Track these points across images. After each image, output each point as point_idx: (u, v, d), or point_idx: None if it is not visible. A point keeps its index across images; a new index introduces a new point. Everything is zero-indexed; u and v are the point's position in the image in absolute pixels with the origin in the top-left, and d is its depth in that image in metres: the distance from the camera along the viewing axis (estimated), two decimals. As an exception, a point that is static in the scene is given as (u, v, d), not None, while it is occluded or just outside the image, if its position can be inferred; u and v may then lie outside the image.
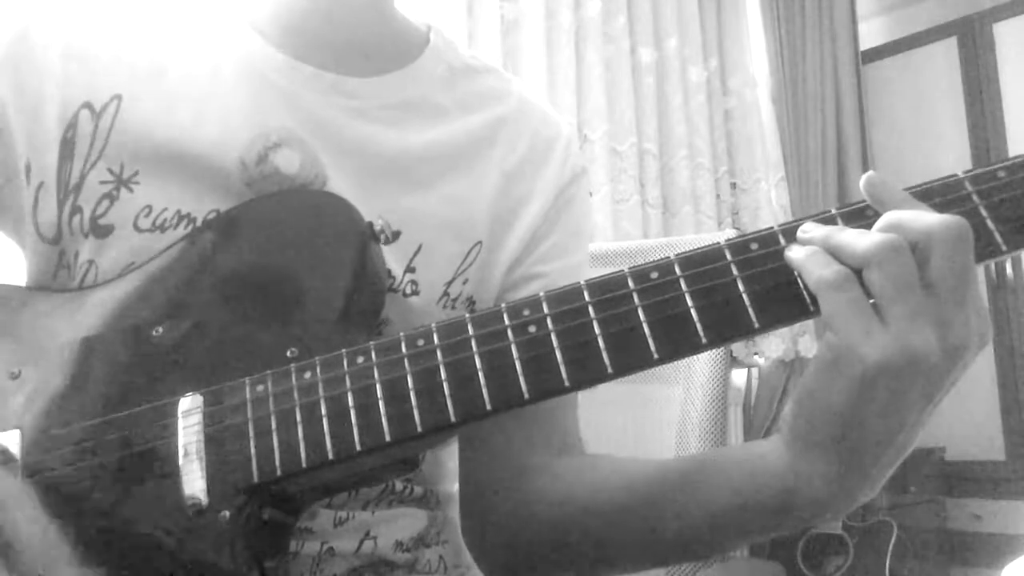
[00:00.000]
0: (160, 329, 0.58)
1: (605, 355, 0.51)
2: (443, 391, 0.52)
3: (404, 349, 0.53)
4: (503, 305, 0.54)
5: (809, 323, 3.15)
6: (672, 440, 1.14)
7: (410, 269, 0.69)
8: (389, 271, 0.67)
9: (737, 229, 3.09)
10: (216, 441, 0.53)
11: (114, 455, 0.54)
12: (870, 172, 0.52)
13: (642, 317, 0.51)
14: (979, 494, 3.62)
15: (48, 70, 0.67)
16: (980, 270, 0.50)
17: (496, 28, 2.53)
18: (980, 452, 3.68)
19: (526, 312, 0.53)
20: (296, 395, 0.53)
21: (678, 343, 0.51)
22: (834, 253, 0.49)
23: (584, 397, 0.73)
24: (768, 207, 3.34)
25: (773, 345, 3.20)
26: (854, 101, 3.66)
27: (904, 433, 0.51)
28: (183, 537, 0.52)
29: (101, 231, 0.65)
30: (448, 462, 0.79)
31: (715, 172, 3.26)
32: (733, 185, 3.39)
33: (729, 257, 0.52)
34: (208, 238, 0.63)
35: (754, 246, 0.52)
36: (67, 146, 0.66)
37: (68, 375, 0.58)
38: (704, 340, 0.50)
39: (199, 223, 0.65)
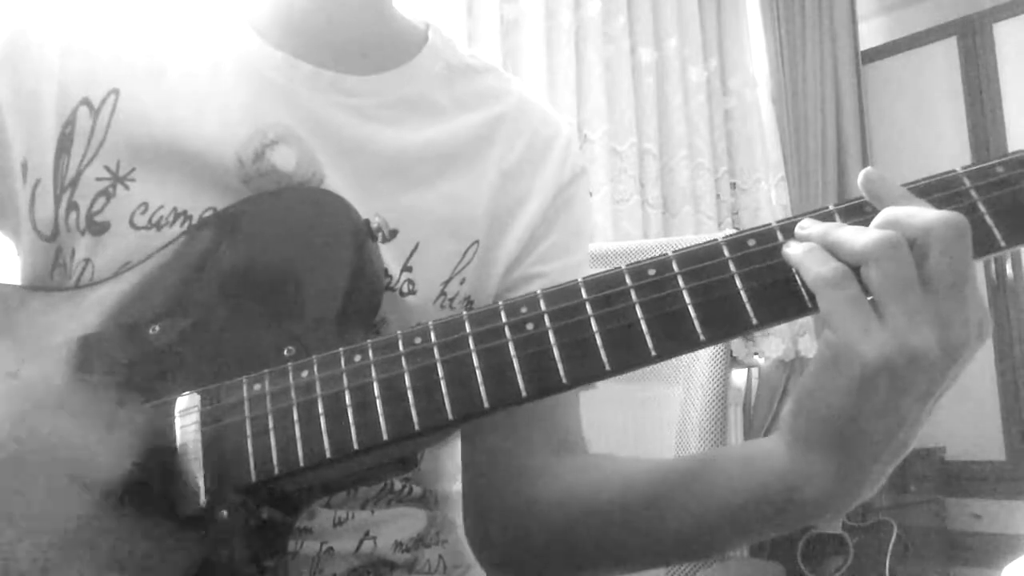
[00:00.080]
0: (157, 327, 0.58)
1: (603, 352, 0.51)
2: (440, 389, 0.52)
3: (401, 347, 0.53)
4: (500, 303, 0.53)
5: (809, 322, 3.16)
6: (672, 440, 1.14)
7: (407, 268, 0.69)
8: (386, 270, 0.67)
9: (737, 229, 3.08)
10: (213, 440, 0.53)
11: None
12: (868, 168, 0.52)
13: (640, 314, 0.51)
14: (979, 494, 3.62)
15: (46, 69, 0.67)
16: (980, 270, 0.50)
17: (496, 28, 2.53)
18: (980, 452, 3.68)
19: (523, 310, 0.53)
20: (293, 394, 0.53)
21: (676, 340, 0.50)
22: (832, 250, 0.49)
23: (584, 397, 0.73)
24: (768, 207, 3.34)
25: (773, 345, 3.20)
26: (854, 101, 3.66)
27: (904, 431, 0.51)
28: (181, 537, 0.51)
29: (97, 228, 0.65)
30: (447, 462, 0.79)
31: (715, 172, 3.26)
32: (733, 185, 3.39)
33: (727, 254, 0.51)
34: (205, 236, 0.63)
35: (752, 243, 0.52)
36: (64, 142, 0.66)
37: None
38: (702, 337, 0.50)
39: (195, 221, 0.64)
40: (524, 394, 0.51)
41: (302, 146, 0.68)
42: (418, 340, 0.53)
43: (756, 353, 3.19)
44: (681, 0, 3.18)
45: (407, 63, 0.75)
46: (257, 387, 0.54)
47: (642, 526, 0.64)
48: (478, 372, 0.51)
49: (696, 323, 0.50)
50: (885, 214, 0.49)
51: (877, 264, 0.47)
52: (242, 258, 0.61)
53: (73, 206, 0.65)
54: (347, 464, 0.53)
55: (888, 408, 0.49)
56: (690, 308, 0.50)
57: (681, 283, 0.51)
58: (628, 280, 0.52)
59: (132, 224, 0.64)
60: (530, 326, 0.52)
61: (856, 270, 0.48)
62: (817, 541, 3.03)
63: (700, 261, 0.51)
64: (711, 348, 1.11)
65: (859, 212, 0.52)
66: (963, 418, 3.50)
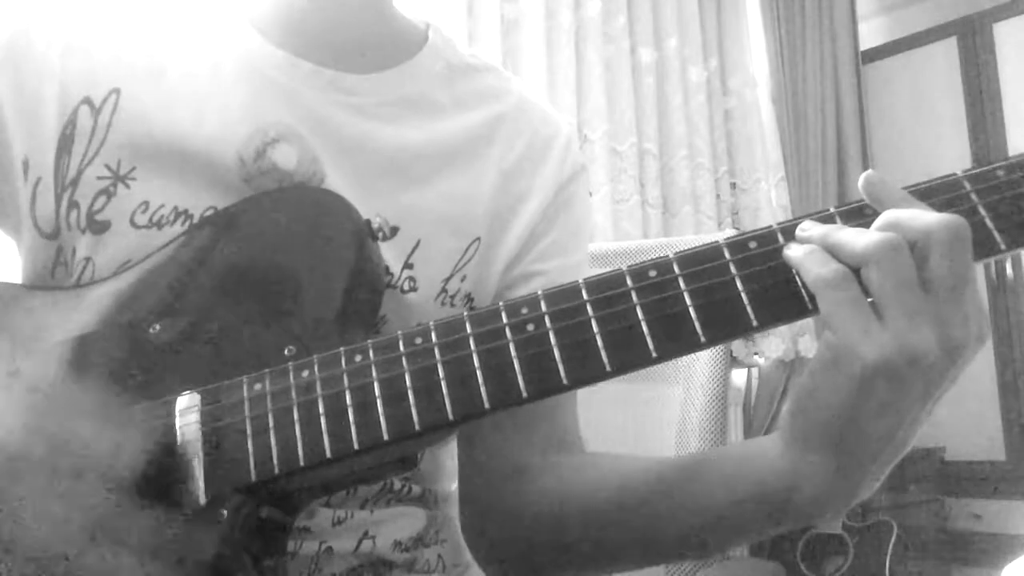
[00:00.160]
0: (157, 326, 0.58)
1: (603, 353, 0.51)
2: (441, 390, 0.52)
3: (402, 347, 0.53)
4: (501, 303, 0.53)
5: (809, 323, 3.15)
6: (672, 440, 1.14)
7: (408, 265, 0.69)
8: (387, 267, 0.67)
9: (737, 229, 3.08)
10: (213, 440, 0.53)
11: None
12: (869, 171, 0.52)
13: (640, 315, 0.51)
14: (979, 494, 3.62)
15: (48, 69, 0.67)
16: (980, 270, 0.50)
17: (496, 28, 2.53)
18: (980, 452, 3.68)
19: (524, 310, 0.53)
20: (294, 393, 0.53)
21: (676, 341, 0.50)
22: (833, 252, 0.49)
23: (584, 396, 0.73)
24: (768, 207, 3.34)
25: (773, 345, 3.20)
26: (854, 101, 3.66)
27: (903, 431, 0.51)
28: (180, 536, 0.52)
29: (98, 227, 0.65)
30: (447, 461, 0.79)
31: (715, 172, 3.26)
32: (733, 185, 3.39)
33: (728, 256, 0.52)
34: (205, 235, 0.63)
35: (753, 244, 0.52)
36: (65, 141, 0.66)
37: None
38: (703, 338, 0.50)
39: (196, 219, 0.65)
40: (525, 395, 0.51)
41: (303, 144, 0.68)
42: (419, 340, 0.53)
43: (756, 353, 3.19)
44: (681, 0, 3.18)
45: (407, 62, 0.75)
46: (257, 387, 0.54)
47: (640, 525, 0.64)
48: (479, 372, 0.52)
49: (697, 324, 0.50)
50: (886, 216, 0.49)
51: (878, 266, 0.48)
52: (243, 257, 0.61)
53: (74, 205, 0.65)
54: (347, 464, 0.53)
55: (887, 409, 0.49)
56: (691, 310, 0.50)
57: (682, 284, 0.51)
58: (629, 281, 0.52)
59: (133, 223, 0.64)
60: (531, 327, 0.52)
61: (856, 272, 0.49)
62: (817, 541, 3.03)
63: (701, 263, 0.52)
64: (711, 348, 1.12)
65: (859, 215, 0.52)
66: (963, 418, 3.50)
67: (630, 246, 1.29)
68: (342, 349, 0.54)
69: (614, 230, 2.74)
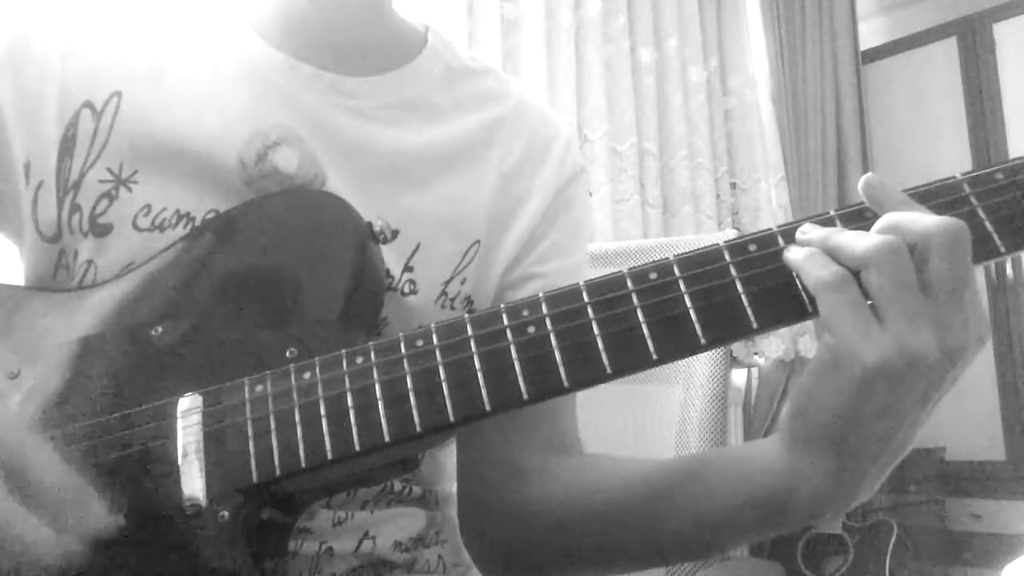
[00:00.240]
0: (159, 329, 0.58)
1: (604, 356, 0.51)
2: (442, 391, 0.52)
3: (403, 349, 0.53)
4: (502, 306, 0.54)
5: (809, 323, 3.15)
6: (672, 440, 1.14)
7: (408, 268, 0.69)
8: (387, 270, 0.67)
9: (737, 229, 3.09)
10: (215, 441, 0.53)
11: (112, 455, 0.54)
12: (868, 174, 0.52)
13: (641, 318, 0.51)
14: (979, 494, 3.62)
15: (48, 72, 0.67)
16: (980, 271, 0.50)
17: (496, 28, 2.53)
18: (980, 452, 3.68)
19: (525, 313, 0.53)
20: (295, 395, 0.53)
21: (677, 344, 0.51)
22: (832, 254, 0.49)
23: (584, 397, 0.73)
24: (768, 207, 3.34)
25: (773, 345, 3.20)
26: (854, 101, 3.66)
27: (902, 433, 0.51)
28: (181, 537, 0.52)
29: (100, 230, 0.65)
30: (447, 462, 0.79)
31: (715, 172, 3.26)
32: (733, 185, 3.39)
33: (728, 258, 0.52)
34: (207, 238, 0.63)
35: (753, 247, 0.52)
36: (67, 144, 0.66)
37: (67, 375, 0.58)
38: (703, 341, 0.50)
39: (198, 222, 0.65)
40: (525, 397, 0.51)
41: (304, 147, 0.68)
42: (420, 342, 0.53)
43: (756, 353, 3.19)
44: (681, 0, 3.18)
45: (407, 65, 0.75)
46: (259, 388, 0.54)
47: (640, 526, 0.65)
48: (480, 374, 0.52)
49: (697, 327, 0.50)
50: (886, 219, 0.50)
51: (877, 268, 0.48)
52: (244, 260, 0.61)
53: (76, 208, 0.65)
54: (348, 465, 0.53)
55: (887, 410, 0.49)
56: (691, 312, 0.51)
57: (682, 287, 0.51)
58: (630, 284, 0.52)
59: (135, 226, 0.65)
60: (532, 329, 0.52)
61: (856, 275, 0.49)
62: (817, 541, 3.03)
63: (701, 265, 0.52)
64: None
65: (859, 217, 0.52)
66: (963, 418, 3.50)
67: (630, 246, 1.29)
68: (343, 351, 0.54)
69: (614, 230, 2.74)
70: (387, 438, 0.52)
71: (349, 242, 0.61)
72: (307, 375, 0.54)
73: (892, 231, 0.49)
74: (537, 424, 0.72)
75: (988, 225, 0.50)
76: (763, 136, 3.40)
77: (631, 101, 2.89)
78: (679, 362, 1.16)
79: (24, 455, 0.47)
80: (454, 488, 0.78)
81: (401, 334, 0.54)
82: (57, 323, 0.61)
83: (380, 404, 0.52)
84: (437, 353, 0.53)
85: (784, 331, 3.18)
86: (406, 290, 0.69)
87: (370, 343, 0.54)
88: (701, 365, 1.15)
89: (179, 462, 0.53)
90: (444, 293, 0.71)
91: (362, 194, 0.68)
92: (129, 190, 0.65)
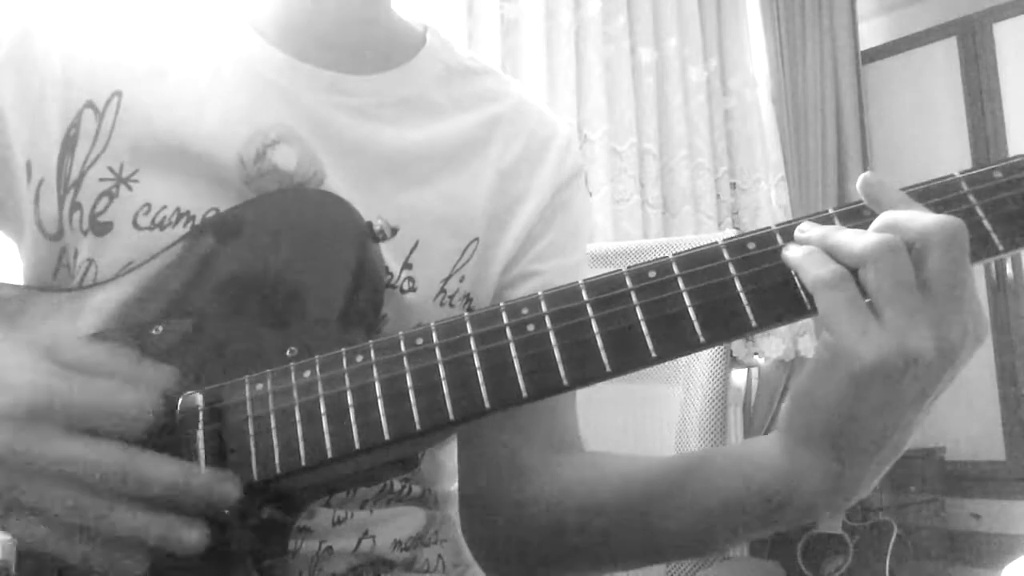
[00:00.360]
0: (160, 328, 0.58)
1: (603, 354, 0.51)
2: (442, 390, 0.52)
3: (403, 348, 0.53)
4: (501, 304, 0.54)
5: (809, 322, 3.15)
6: (672, 440, 1.14)
7: (407, 265, 0.69)
8: (386, 267, 0.67)
9: (737, 229, 3.09)
10: (215, 439, 0.53)
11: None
12: (867, 172, 0.52)
13: (640, 316, 0.51)
14: (979, 494, 3.62)
15: (49, 72, 0.67)
16: (980, 270, 0.51)
17: (496, 28, 2.53)
18: (980, 452, 3.68)
19: (525, 311, 0.53)
20: (295, 394, 0.53)
21: (676, 342, 0.51)
22: (831, 252, 0.50)
23: (584, 397, 0.74)
24: (768, 207, 3.34)
25: (773, 345, 3.20)
26: (854, 101, 3.66)
27: (900, 431, 0.51)
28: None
29: (100, 228, 0.65)
30: (447, 461, 0.79)
31: (715, 172, 3.26)
32: (733, 185, 3.39)
33: (727, 256, 0.52)
34: (208, 237, 0.63)
35: (751, 245, 0.52)
36: (69, 143, 0.66)
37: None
38: (702, 339, 0.50)
39: (198, 221, 0.65)
40: (525, 395, 0.51)
41: (303, 146, 0.68)
42: (420, 341, 0.53)
43: (756, 353, 3.19)
44: (681, 0, 3.18)
45: (406, 64, 0.75)
46: (259, 387, 0.54)
47: (639, 524, 0.65)
48: (479, 373, 0.52)
49: (696, 325, 0.50)
50: (884, 218, 0.50)
51: (875, 266, 0.48)
52: (244, 259, 0.62)
53: (76, 206, 0.65)
54: (348, 464, 0.53)
55: (885, 408, 0.49)
56: (690, 310, 0.51)
57: (681, 285, 0.51)
58: (629, 282, 0.52)
59: (135, 225, 0.65)
60: (531, 327, 0.52)
61: (855, 273, 0.49)
62: (817, 541, 3.03)
63: (700, 264, 0.52)
64: (711, 348, 1.12)
65: (858, 216, 0.52)
66: (963, 418, 3.50)
67: (630, 246, 1.29)
68: (343, 350, 0.54)
69: (614, 230, 2.74)
70: (387, 436, 0.52)
71: (349, 241, 0.61)
72: (307, 373, 0.54)
73: (890, 229, 0.49)
74: (537, 422, 0.73)
75: (986, 223, 0.50)
76: (763, 136, 3.40)
77: (631, 101, 2.89)
78: (679, 362, 1.16)
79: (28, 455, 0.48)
80: (454, 487, 0.78)
81: (401, 332, 0.54)
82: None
83: (380, 402, 0.52)
84: (437, 351, 0.53)
85: (784, 330, 3.18)
86: (405, 287, 0.69)
87: (370, 342, 0.54)
88: (701, 365, 1.15)
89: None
90: (443, 291, 0.71)
91: (361, 192, 0.68)
92: (129, 189, 0.65)
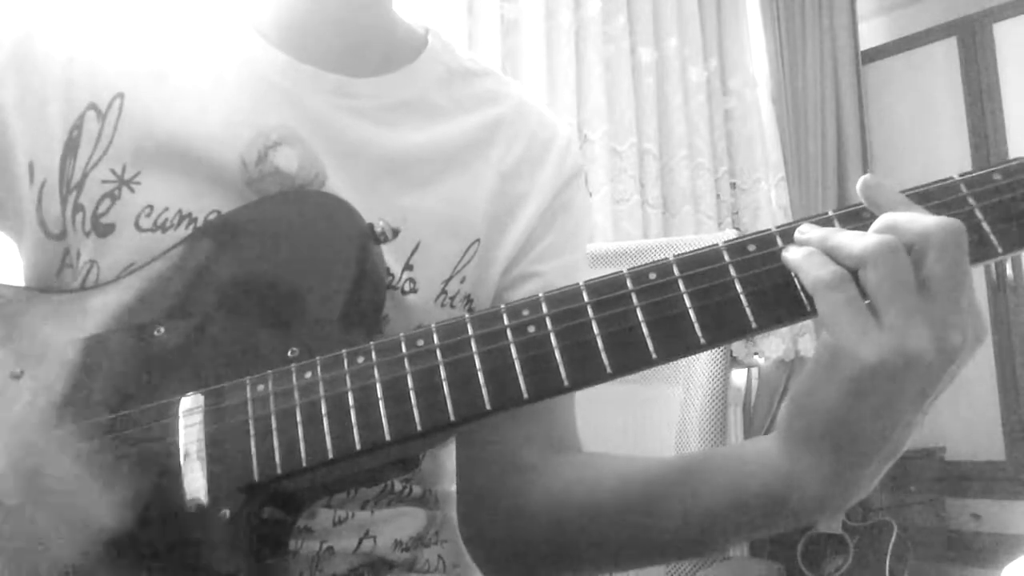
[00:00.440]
0: (162, 329, 0.59)
1: (604, 355, 0.51)
2: (443, 391, 0.52)
3: (404, 349, 0.54)
4: (502, 305, 0.54)
5: (809, 323, 3.15)
6: (672, 440, 1.14)
7: (408, 267, 0.69)
8: (387, 269, 0.67)
9: (737, 229, 3.09)
10: (217, 440, 0.53)
11: (115, 455, 0.54)
12: (866, 175, 0.52)
13: (640, 317, 0.51)
14: (979, 494, 3.63)
15: (52, 73, 0.67)
16: (980, 270, 0.51)
17: (496, 28, 2.53)
18: (980, 452, 3.69)
19: (525, 312, 0.53)
20: (296, 395, 0.54)
21: (676, 343, 0.51)
22: (831, 254, 0.50)
23: (584, 397, 0.74)
24: (768, 207, 3.34)
25: (773, 345, 3.20)
26: (854, 101, 3.66)
27: (899, 431, 0.51)
28: (183, 536, 0.52)
29: (102, 230, 0.65)
30: (447, 462, 0.79)
31: (715, 172, 3.27)
32: (733, 185, 3.39)
33: (727, 258, 0.52)
34: (210, 239, 0.63)
35: (752, 247, 0.52)
36: (72, 144, 0.66)
37: (70, 375, 0.58)
38: (702, 340, 0.51)
39: (200, 223, 0.65)
40: (526, 396, 0.51)
41: (305, 147, 0.68)
42: (421, 342, 0.54)
43: (756, 353, 3.19)
44: (681, 0, 3.18)
45: (407, 66, 0.76)
46: (260, 388, 0.54)
47: (638, 524, 0.65)
48: (480, 374, 0.52)
49: (696, 326, 0.51)
50: (883, 219, 0.50)
51: (875, 267, 0.48)
52: (246, 261, 0.62)
53: (79, 208, 0.65)
54: (349, 464, 0.53)
55: (884, 409, 0.50)
56: (691, 312, 0.51)
57: (682, 287, 0.51)
58: (629, 284, 0.52)
59: (137, 226, 0.65)
60: (532, 329, 0.52)
61: (855, 274, 0.49)
62: (817, 541, 3.03)
63: (701, 265, 0.52)
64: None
65: (857, 218, 0.52)
66: (963, 418, 3.50)
67: (630, 246, 1.29)
68: (344, 351, 0.54)
69: (614, 230, 2.75)
70: (388, 437, 0.52)
71: (350, 243, 0.62)
72: (308, 374, 0.54)
73: (890, 231, 0.49)
74: (536, 423, 0.73)
75: (985, 226, 0.50)
76: (763, 136, 3.40)
77: (631, 101, 2.90)
78: (679, 362, 1.16)
79: (30, 455, 0.47)
80: (454, 488, 0.78)
81: (402, 334, 0.54)
82: (60, 323, 0.61)
83: (381, 403, 0.52)
84: (438, 353, 0.53)
85: (784, 331, 3.19)
86: (406, 288, 0.69)
87: (371, 343, 0.55)
88: (701, 365, 1.15)
89: (181, 462, 0.53)
90: (444, 292, 0.71)
91: (362, 194, 0.68)
92: (131, 190, 0.65)
